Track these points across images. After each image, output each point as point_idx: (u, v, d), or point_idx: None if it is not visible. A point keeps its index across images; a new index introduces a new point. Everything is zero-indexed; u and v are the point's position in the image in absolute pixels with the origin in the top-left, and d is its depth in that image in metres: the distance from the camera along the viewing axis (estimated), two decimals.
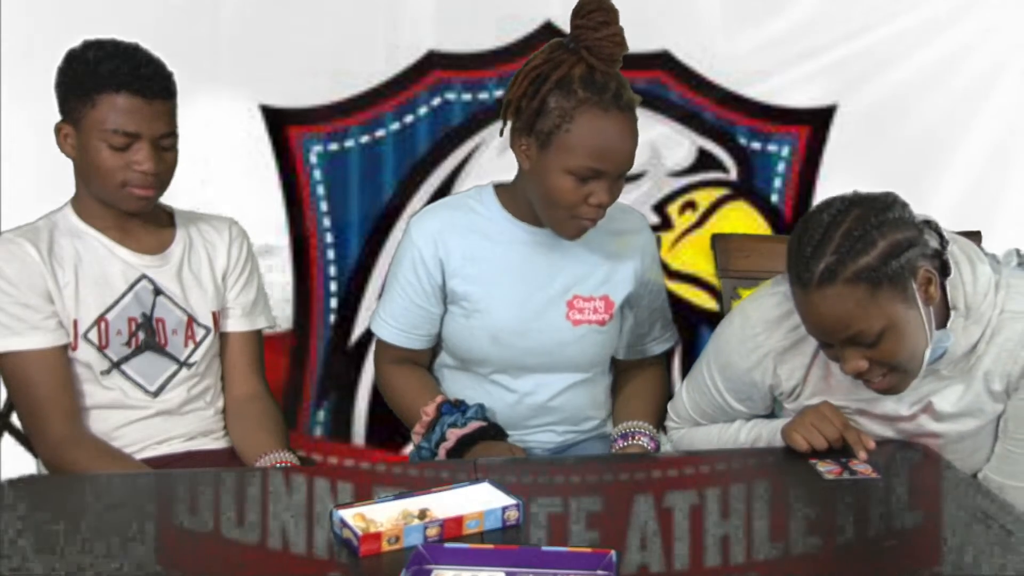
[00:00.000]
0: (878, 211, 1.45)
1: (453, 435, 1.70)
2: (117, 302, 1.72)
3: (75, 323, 1.69)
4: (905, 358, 1.48)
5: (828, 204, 1.49)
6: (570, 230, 1.71)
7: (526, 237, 1.79)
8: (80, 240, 1.73)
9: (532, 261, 1.79)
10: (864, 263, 1.42)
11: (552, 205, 1.68)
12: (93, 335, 1.70)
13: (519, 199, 1.78)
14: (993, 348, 1.54)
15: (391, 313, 1.84)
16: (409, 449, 1.94)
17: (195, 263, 1.82)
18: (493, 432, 1.73)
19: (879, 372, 1.49)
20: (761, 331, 1.64)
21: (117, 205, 1.72)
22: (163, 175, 1.71)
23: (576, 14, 1.64)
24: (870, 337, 1.45)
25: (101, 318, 1.71)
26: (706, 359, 1.74)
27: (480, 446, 1.69)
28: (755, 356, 1.65)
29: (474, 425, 1.71)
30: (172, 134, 1.71)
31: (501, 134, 1.75)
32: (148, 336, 1.74)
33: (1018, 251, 1.96)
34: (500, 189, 1.83)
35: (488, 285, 1.78)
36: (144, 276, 1.75)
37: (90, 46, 1.69)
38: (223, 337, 1.86)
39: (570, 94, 1.63)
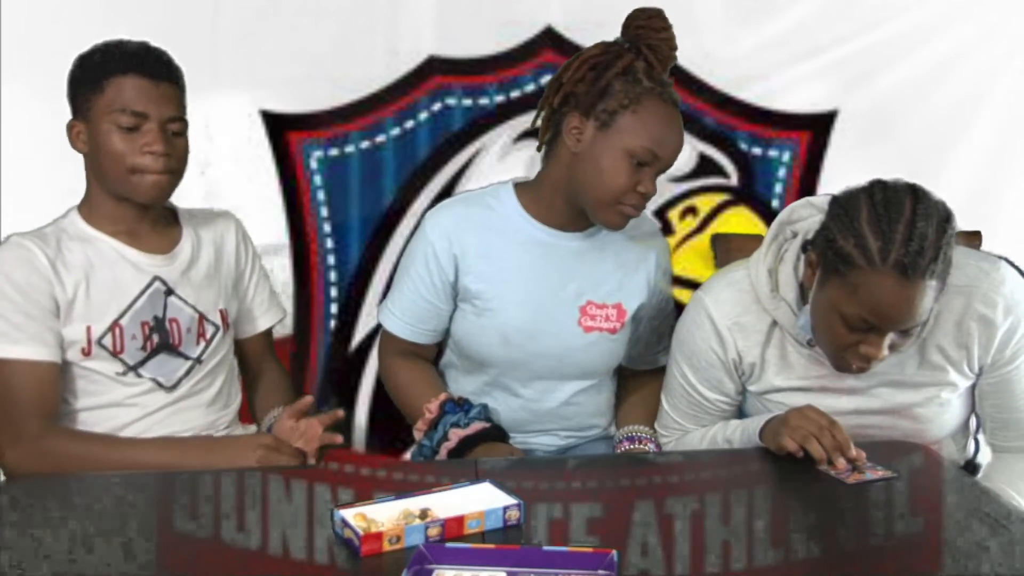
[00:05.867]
0: (949, 216, 1.49)
1: (455, 435, 1.69)
2: (131, 306, 1.70)
3: (88, 329, 1.67)
4: None
5: (895, 190, 1.49)
6: (614, 218, 1.70)
7: (542, 238, 1.78)
8: (90, 245, 1.71)
9: (547, 263, 1.78)
10: (945, 268, 1.47)
11: (601, 189, 1.68)
12: (107, 341, 1.68)
13: (541, 199, 1.77)
14: (940, 321, 1.61)
15: (399, 306, 1.84)
16: (411, 451, 1.93)
17: (203, 261, 1.81)
18: (495, 434, 1.73)
19: (885, 355, 1.52)
20: (713, 308, 1.69)
21: (129, 195, 1.69)
22: (174, 161, 1.69)
23: (634, 19, 1.70)
24: (916, 328, 1.50)
25: (115, 324, 1.69)
26: (673, 361, 1.77)
27: (482, 447, 1.69)
28: (712, 332, 1.68)
29: (477, 426, 1.71)
30: (181, 119, 1.71)
31: (534, 124, 1.77)
32: (163, 338, 1.73)
33: None
34: (520, 188, 1.81)
35: (501, 284, 1.77)
36: (157, 278, 1.74)
37: (97, 46, 1.71)
38: (245, 337, 1.93)
39: (636, 82, 1.67)
